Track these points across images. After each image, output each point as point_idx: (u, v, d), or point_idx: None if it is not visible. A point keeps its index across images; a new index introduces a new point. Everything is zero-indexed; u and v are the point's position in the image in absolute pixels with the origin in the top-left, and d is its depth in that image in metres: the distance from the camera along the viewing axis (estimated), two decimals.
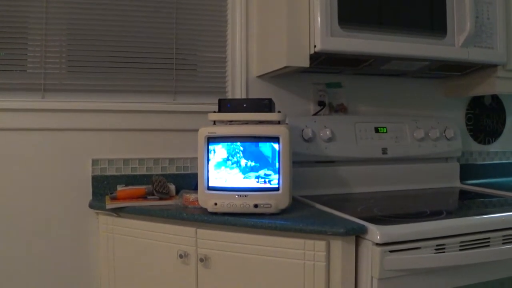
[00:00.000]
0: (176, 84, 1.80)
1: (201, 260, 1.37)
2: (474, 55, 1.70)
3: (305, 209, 1.48)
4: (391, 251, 1.21)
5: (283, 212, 1.38)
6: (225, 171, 1.37)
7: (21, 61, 1.65)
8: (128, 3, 1.73)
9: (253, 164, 1.37)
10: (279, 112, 1.43)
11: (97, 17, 1.70)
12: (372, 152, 1.84)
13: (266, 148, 1.37)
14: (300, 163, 1.75)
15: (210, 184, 1.38)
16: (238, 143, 1.37)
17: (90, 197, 1.69)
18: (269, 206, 1.34)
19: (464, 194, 1.83)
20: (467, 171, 2.15)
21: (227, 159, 1.37)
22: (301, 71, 1.77)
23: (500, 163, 2.29)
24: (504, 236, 1.34)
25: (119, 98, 1.75)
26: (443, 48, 1.65)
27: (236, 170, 1.37)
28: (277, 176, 1.36)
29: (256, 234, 1.32)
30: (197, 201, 1.41)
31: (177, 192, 1.64)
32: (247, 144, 1.37)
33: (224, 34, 1.85)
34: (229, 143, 1.37)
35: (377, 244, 1.21)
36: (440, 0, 1.65)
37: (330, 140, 1.78)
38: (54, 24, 1.67)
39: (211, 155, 1.38)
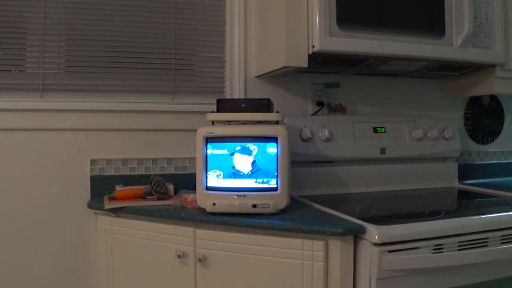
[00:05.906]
0: (175, 84, 1.80)
1: (200, 260, 1.37)
2: (473, 55, 1.70)
3: (303, 209, 1.48)
4: (389, 251, 1.21)
5: (281, 212, 1.38)
6: (224, 171, 1.37)
7: (19, 61, 1.65)
8: (126, 3, 1.73)
9: (251, 164, 1.37)
10: (277, 112, 1.43)
11: (96, 17, 1.70)
12: (370, 152, 1.85)
13: (264, 148, 1.36)
14: (298, 163, 1.75)
15: (209, 184, 1.38)
16: (237, 143, 1.37)
17: (89, 197, 1.69)
18: (268, 206, 1.34)
19: (462, 194, 1.83)
20: (466, 171, 2.16)
21: (226, 159, 1.37)
22: (300, 71, 1.77)
23: (499, 163, 2.29)
24: (502, 236, 1.35)
25: (118, 98, 1.75)
26: (442, 48, 1.65)
27: (234, 170, 1.37)
28: (275, 176, 1.36)
29: (255, 234, 1.32)
30: (196, 201, 1.41)
31: (176, 192, 1.64)
32: (245, 144, 1.37)
33: (223, 34, 1.85)
34: (227, 143, 1.37)
35: (376, 244, 1.21)
36: (439, 0, 1.65)
37: (328, 140, 1.78)
38: (52, 24, 1.67)
39: (209, 155, 1.38)
